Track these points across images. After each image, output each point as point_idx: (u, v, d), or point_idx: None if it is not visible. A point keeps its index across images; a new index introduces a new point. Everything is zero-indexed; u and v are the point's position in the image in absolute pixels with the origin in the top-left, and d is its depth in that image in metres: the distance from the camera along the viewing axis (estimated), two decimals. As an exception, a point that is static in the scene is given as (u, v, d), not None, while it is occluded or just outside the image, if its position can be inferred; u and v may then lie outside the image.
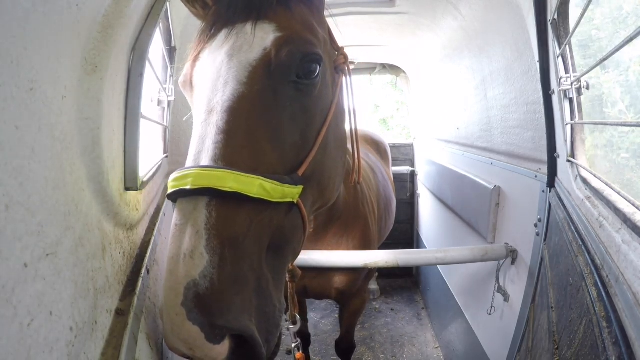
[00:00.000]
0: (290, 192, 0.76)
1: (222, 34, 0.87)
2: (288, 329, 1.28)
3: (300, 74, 0.84)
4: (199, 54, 0.90)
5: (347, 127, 1.21)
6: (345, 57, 1.11)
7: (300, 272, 1.21)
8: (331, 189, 1.05)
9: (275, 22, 0.85)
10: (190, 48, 0.95)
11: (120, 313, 0.77)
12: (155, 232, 1.15)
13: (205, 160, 0.68)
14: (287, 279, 1.25)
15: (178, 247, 0.59)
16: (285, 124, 0.81)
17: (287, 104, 0.83)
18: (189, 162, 0.71)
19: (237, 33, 0.85)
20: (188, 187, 0.63)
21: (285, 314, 1.22)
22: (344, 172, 1.18)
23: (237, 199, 0.64)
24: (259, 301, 0.65)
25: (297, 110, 0.85)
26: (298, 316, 1.32)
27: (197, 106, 0.83)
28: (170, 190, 0.67)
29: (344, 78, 1.12)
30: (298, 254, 0.94)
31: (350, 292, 2.00)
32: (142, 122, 1.04)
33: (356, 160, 1.29)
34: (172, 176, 0.69)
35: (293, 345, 1.34)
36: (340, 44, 1.15)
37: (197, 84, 0.88)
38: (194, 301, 0.55)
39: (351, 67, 1.15)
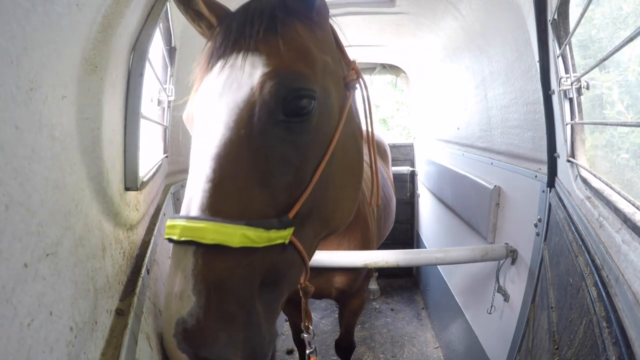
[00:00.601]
0: (279, 236, 0.75)
1: (218, 67, 0.84)
2: (303, 337, 1.40)
3: (289, 112, 0.79)
4: (198, 86, 0.88)
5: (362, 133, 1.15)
6: (357, 72, 1.04)
7: (313, 289, 1.18)
8: (338, 218, 1.00)
9: (265, 54, 0.80)
10: (192, 78, 0.93)
11: (120, 313, 0.77)
12: (155, 232, 1.15)
13: (194, 209, 0.71)
14: (301, 294, 1.26)
15: (171, 288, 0.67)
16: (275, 166, 0.78)
17: (277, 145, 0.78)
18: (183, 209, 0.74)
19: (231, 65, 0.82)
20: (175, 237, 0.69)
21: (302, 326, 1.33)
22: (358, 195, 1.10)
23: (221, 247, 0.68)
24: (247, 334, 0.70)
25: (289, 150, 0.80)
26: (311, 327, 1.37)
27: (192, 146, 0.82)
28: (165, 237, 0.74)
29: (359, 91, 1.06)
30: (298, 283, 0.94)
31: (350, 292, 2.00)
32: (142, 122, 1.05)
33: (374, 182, 1.21)
34: (168, 222, 0.73)
35: (307, 351, 1.43)
36: (336, 32, 1.09)
37: (195, 122, 0.86)
38: (182, 334, 0.64)
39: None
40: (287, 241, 0.78)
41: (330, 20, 1.09)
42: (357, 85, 1.07)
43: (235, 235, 0.68)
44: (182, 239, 0.67)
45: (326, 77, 0.91)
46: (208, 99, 0.83)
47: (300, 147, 0.82)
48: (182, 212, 0.74)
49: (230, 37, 0.85)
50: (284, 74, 0.79)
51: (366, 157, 1.24)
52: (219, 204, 0.71)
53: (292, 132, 0.81)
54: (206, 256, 0.67)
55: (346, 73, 1.03)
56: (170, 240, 0.71)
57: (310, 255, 0.93)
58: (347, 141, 1.00)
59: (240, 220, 0.70)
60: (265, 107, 0.77)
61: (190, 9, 0.99)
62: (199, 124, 0.83)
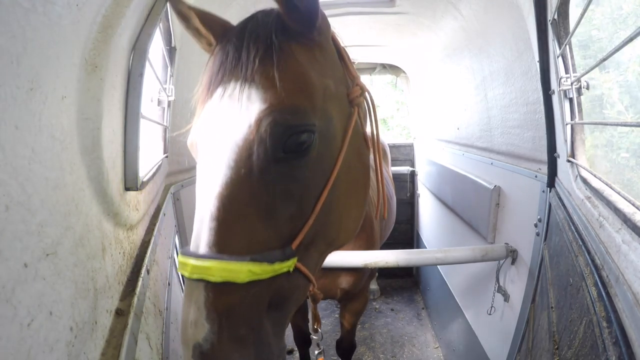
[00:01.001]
0: (283, 266, 0.78)
1: (217, 94, 0.83)
2: (312, 338, 1.50)
3: (287, 149, 0.78)
4: (200, 113, 0.88)
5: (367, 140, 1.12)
6: (363, 87, 1.01)
7: (322, 296, 1.21)
8: (343, 237, 1.00)
9: (262, 87, 0.78)
10: (194, 101, 0.92)
11: (120, 313, 0.77)
12: (155, 232, 1.15)
13: (202, 247, 0.75)
14: (310, 301, 1.30)
15: (187, 316, 0.73)
16: (277, 201, 0.79)
17: (278, 181, 0.79)
18: (192, 244, 0.78)
19: (230, 96, 0.81)
20: (187, 275, 0.74)
21: (312, 329, 1.43)
22: (363, 212, 1.09)
23: (229, 282, 0.73)
24: (258, 351, 0.75)
25: (290, 184, 0.80)
26: (320, 330, 1.43)
27: (197, 177, 0.85)
28: (179, 271, 0.78)
29: (365, 103, 1.05)
30: (304, 300, 0.97)
31: (354, 292, 2.02)
32: (142, 122, 1.05)
33: (380, 192, 1.21)
34: (179, 258, 0.78)
35: (316, 352, 1.50)
36: (340, 43, 1.07)
37: (199, 152, 0.87)
38: (200, 357, 0.70)
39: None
40: (292, 269, 0.81)
41: (334, 30, 1.04)
42: (360, 103, 1.04)
43: (241, 271, 0.72)
44: (194, 276, 0.73)
45: (327, 103, 0.88)
46: (209, 131, 0.83)
47: (301, 180, 0.82)
48: (192, 248, 0.77)
49: (227, 62, 0.84)
50: (280, 111, 0.77)
51: (370, 162, 1.24)
52: (224, 241, 0.75)
53: (292, 166, 0.80)
54: (216, 290, 0.72)
55: (351, 89, 1.00)
56: (182, 276, 0.77)
57: (317, 271, 0.96)
58: (351, 160, 0.97)
59: (245, 256, 0.73)
60: (263, 146, 0.77)
61: (192, 25, 0.99)
62: (202, 157, 0.84)
